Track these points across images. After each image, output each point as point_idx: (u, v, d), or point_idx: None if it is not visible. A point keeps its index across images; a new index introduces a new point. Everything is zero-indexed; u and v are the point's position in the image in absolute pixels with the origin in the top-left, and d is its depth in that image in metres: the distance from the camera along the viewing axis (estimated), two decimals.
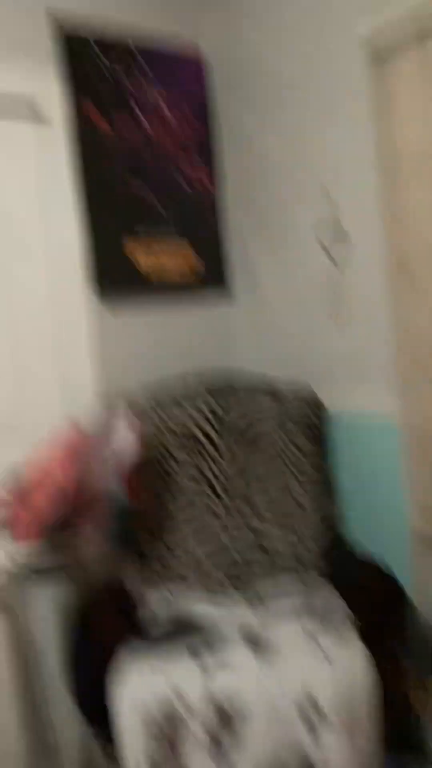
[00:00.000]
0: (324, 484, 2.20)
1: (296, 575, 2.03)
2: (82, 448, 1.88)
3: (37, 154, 2.23)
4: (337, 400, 2.24)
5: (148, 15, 2.41)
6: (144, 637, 1.77)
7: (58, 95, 2.19)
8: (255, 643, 1.65)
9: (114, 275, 2.34)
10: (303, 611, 1.78)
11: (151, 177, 2.45)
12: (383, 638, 1.72)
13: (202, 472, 2.12)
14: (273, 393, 2.23)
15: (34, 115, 2.20)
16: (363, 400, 2.16)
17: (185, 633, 1.77)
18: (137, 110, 2.42)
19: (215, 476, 2.12)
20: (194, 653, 1.63)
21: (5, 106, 2.13)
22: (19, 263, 2.21)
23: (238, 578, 2.05)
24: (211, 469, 2.13)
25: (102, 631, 1.75)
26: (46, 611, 1.93)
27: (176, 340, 2.48)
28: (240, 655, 1.62)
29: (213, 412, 2.18)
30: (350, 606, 1.80)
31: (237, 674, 1.58)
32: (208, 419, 2.17)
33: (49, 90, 2.19)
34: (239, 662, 1.61)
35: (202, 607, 1.91)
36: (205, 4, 2.58)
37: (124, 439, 2.03)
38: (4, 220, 2.17)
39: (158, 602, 1.95)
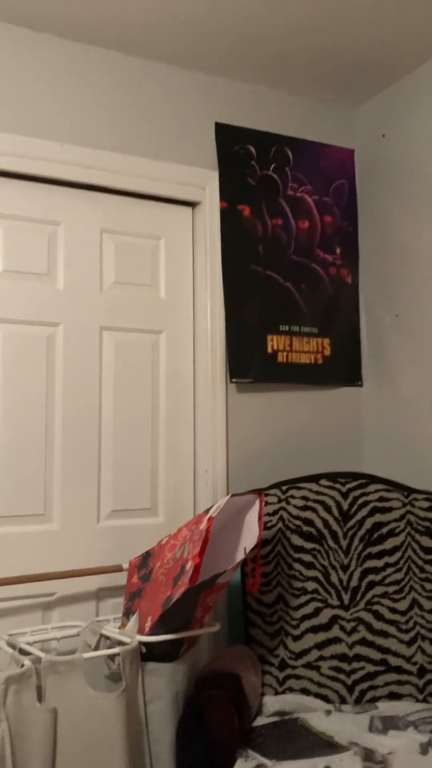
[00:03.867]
0: None
1: (422, 702, 1.93)
2: (211, 532, 1.90)
3: (194, 244, 2.46)
4: None
5: (302, 121, 2.61)
6: (254, 739, 1.73)
7: (216, 191, 2.42)
8: None
9: (252, 366, 2.43)
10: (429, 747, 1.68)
11: (294, 272, 2.53)
12: None
13: (326, 575, 2.08)
14: (402, 492, 2.18)
15: (196, 207, 2.45)
16: None
17: (299, 742, 1.71)
18: (286, 208, 2.53)
19: (339, 581, 2.07)
20: None
21: (176, 194, 2.39)
22: (173, 343, 2.41)
23: (359, 693, 1.98)
24: (335, 569, 2.09)
25: (216, 727, 1.73)
26: (162, 691, 1.94)
27: (303, 425, 2.55)
28: None
29: (339, 508, 2.15)
30: None
31: None
32: (334, 516, 2.14)
33: (210, 186, 2.42)
34: None
35: (318, 717, 1.85)
36: (357, 104, 2.69)
37: (251, 527, 2.04)
38: (173, 293, 2.43)
39: (273, 705, 1.91)
